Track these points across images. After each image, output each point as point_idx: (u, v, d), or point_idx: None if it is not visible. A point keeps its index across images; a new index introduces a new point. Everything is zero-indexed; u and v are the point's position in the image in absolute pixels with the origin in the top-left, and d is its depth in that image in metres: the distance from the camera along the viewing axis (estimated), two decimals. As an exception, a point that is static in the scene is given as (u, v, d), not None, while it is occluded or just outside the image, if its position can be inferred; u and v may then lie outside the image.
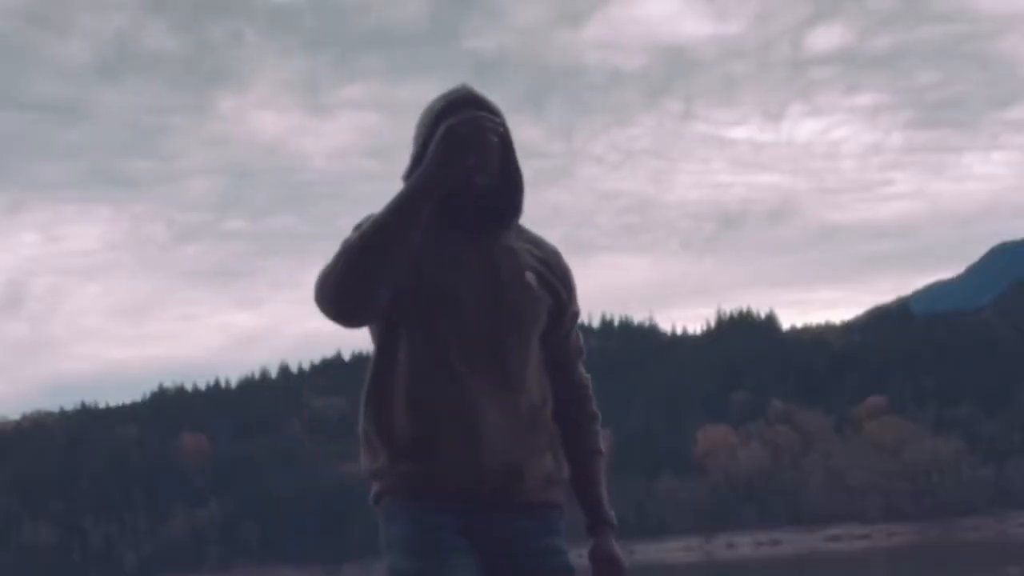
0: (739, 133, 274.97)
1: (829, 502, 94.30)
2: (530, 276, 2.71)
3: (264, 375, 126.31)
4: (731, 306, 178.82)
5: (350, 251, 2.50)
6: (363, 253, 2.50)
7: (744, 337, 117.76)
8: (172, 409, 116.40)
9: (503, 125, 2.65)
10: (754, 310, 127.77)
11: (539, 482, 2.69)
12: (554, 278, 2.77)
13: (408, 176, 2.65)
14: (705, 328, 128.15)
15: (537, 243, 2.80)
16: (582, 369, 2.85)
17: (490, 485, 2.62)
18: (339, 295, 2.52)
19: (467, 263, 2.66)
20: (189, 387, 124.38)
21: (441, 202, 2.60)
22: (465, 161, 2.53)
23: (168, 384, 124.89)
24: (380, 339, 2.68)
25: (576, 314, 2.84)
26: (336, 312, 2.55)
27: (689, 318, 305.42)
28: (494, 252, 2.70)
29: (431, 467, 2.60)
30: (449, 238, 2.67)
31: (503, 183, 2.70)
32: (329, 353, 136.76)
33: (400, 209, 2.52)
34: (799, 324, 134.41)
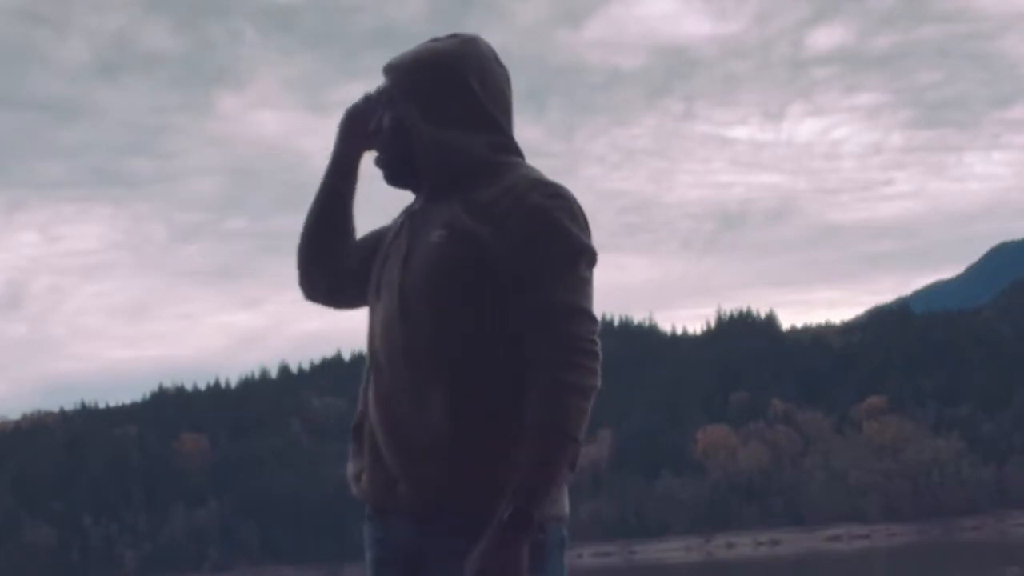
0: (739, 133, 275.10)
1: (829, 502, 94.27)
2: (438, 234, 2.38)
3: (264, 375, 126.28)
4: (731, 306, 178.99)
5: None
6: (301, 236, 2.67)
7: (744, 337, 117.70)
8: (172, 409, 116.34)
9: (400, 89, 2.49)
10: (754, 310, 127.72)
11: (435, 490, 2.35)
12: (486, 223, 2.34)
13: None
14: (705, 328, 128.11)
15: (501, 182, 2.39)
16: (557, 329, 2.27)
17: (384, 497, 2.42)
18: (297, 276, 2.69)
19: (394, 247, 2.49)
20: (189, 387, 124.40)
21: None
22: (349, 140, 2.66)
23: (168, 384, 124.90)
24: None
25: (529, 262, 2.31)
26: (301, 292, 2.71)
27: (689, 318, 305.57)
28: (416, 224, 2.47)
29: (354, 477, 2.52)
30: (397, 226, 2.56)
31: (417, 152, 2.48)
32: (329, 353, 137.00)
33: (317, 192, 2.67)
34: (799, 324, 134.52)
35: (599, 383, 2.30)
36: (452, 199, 2.41)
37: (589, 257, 2.34)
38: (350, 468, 2.52)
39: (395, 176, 2.54)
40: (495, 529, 2.22)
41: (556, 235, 2.31)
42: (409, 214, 2.51)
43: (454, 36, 2.52)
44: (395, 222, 2.58)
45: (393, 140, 2.50)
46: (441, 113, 2.44)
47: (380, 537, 2.47)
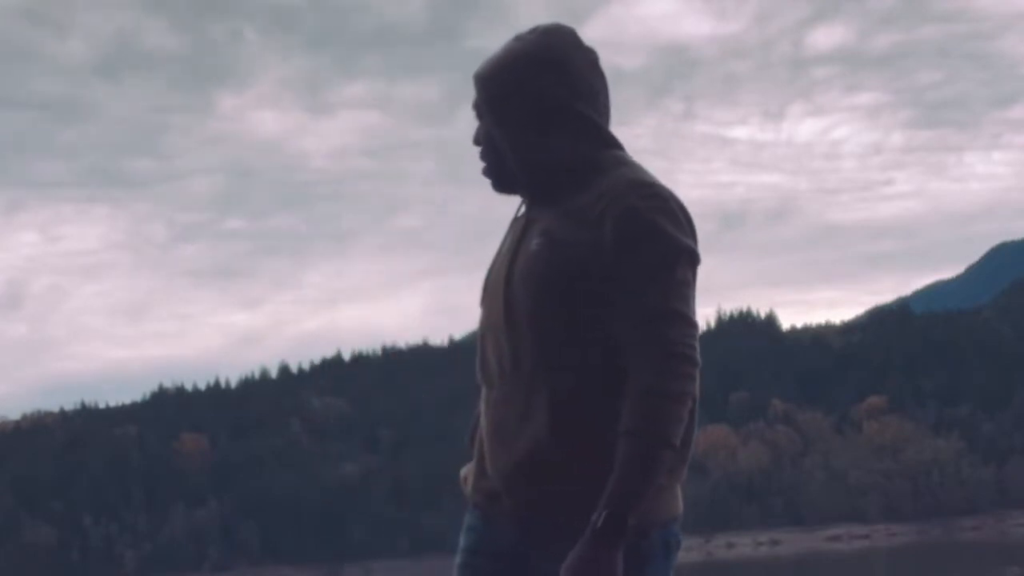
0: (739, 133, 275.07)
1: (829, 502, 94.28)
2: (536, 242, 2.37)
3: (264, 375, 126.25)
4: (731, 306, 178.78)
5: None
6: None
7: (744, 337, 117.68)
8: (172, 409, 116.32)
9: (483, 99, 2.47)
10: (754, 310, 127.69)
11: (540, 492, 2.37)
12: (583, 228, 2.33)
13: None
14: (705, 328, 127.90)
15: (598, 186, 2.36)
16: (654, 334, 2.24)
17: (494, 497, 2.45)
18: None
19: (500, 255, 2.51)
20: (189, 387, 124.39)
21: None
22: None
23: (168, 384, 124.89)
24: None
25: (628, 267, 2.27)
26: None
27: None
28: (519, 231, 2.47)
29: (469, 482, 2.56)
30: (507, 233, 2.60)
31: (507, 163, 2.47)
32: (329, 353, 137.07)
33: None
34: (799, 324, 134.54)
35: (696, 389, 2.27)
36: (551, 205, 2.40)
37: (689, 259, 2.30)
38: (463, 470, 2.56)
39: (499, 186, 2.52)
40: (589, 535, 2.22)
41: (653, 237, 2.27)
42: (514, 220, 2.52)
43: (534, 30, 2.49)
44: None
45: (487, 153, 2.49)
46: (523, 120, 2.41)
47: (477, 527, 2.49)
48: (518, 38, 2.48)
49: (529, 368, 2.34)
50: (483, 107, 2.46)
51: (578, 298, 2.31)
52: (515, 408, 2.36)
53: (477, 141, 2.50)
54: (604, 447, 2.27)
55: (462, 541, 2.52)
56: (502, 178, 2.48)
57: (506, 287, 2.39)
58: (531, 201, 2.47)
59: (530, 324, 2.33)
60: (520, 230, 2.44)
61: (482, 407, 2.48)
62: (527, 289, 2.34)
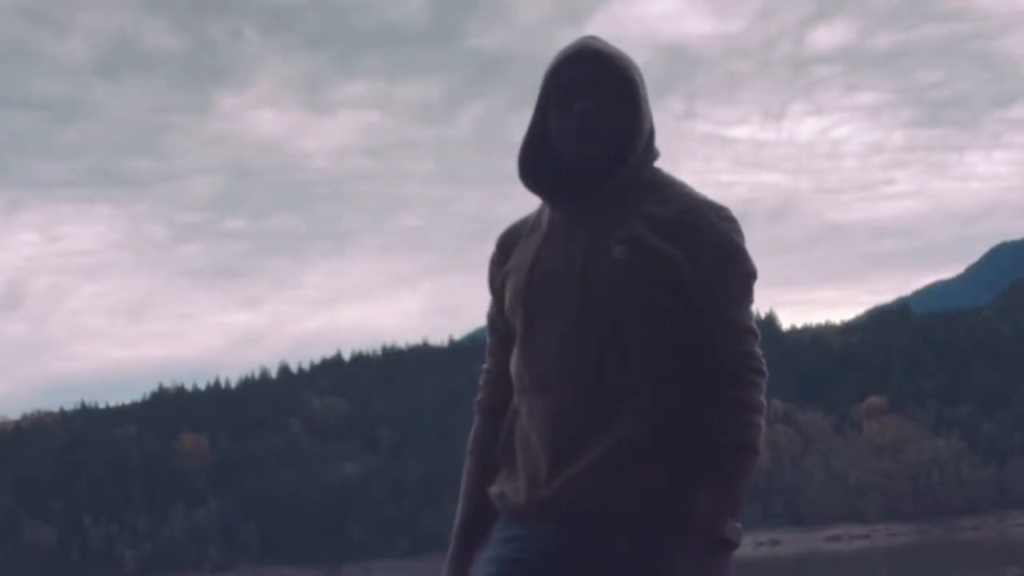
0: (740, 132, 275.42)
1: (829, 502, 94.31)
2: (620, 250, 2.33)
3: (264, 375, 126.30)
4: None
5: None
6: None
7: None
8: (172, 409, 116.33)
9: (623, 74, 2.40)
10: (754, 310, 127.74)
11: (631, 504, 2.34)
12: (674, 243, 2.33)
13: (525, 136, 2.46)
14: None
15: (670, 199, 2.39)
16: (736, 349, 2.33)
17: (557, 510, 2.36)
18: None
19: (558, 260, 2.39)
20: (189, 387, 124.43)
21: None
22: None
23: (168, 384, 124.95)
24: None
25: (714, 285, 2.33)
26: None
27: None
28: (582, 236, 2.38)
29: (506, 489, 2.44)
30: (542, 235, 2.45)
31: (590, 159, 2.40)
32: (329, 353, 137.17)
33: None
34: (799, 324, 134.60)
35: (765, 400, 2.37)
36: (624, 212, 2.37)
37: (755, 278, 2.43)
38: (495, 488, 2.47)
39: (578, 173, 2.40)
40: (698, 556, 2.31)
41: (738, 259, 2.37)
42: (563, 223, 2.40)
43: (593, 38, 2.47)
44: (522, 228, 2.50)
45: (596, 131, 2.39)
46: (645, 110, 2.42)
47: (525, 537, 2.39)
48: (596, 39, 2.45)
49: (609, 378, 2.32)
50: (617, 85, 2.40)
51: (662, 310, 2.33)
52: (587, 418, 2.33)
53: (586, 118, 2.37)
54: (681, 455, 2.32)
55: (499, 551, 2.42)
56: (594, 166, 2.39)
57: (581, 294, 2.34)
58: (595, 206, 2.39)
59: (614, 334, 2.33)
60: (587, 235, 2.37)
61: (525, 415, 2.40)
62: (612, 299, 2.33)
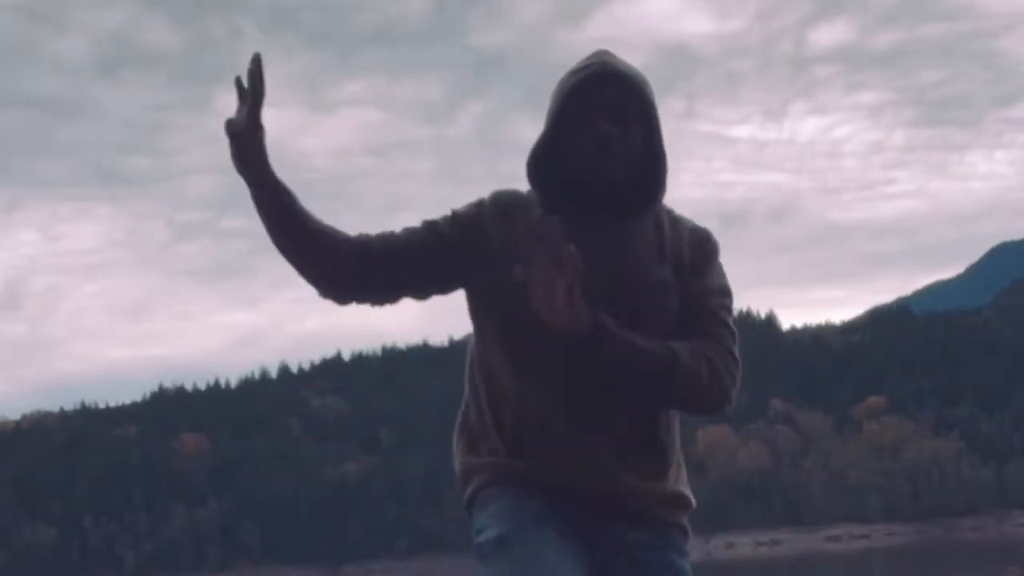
0: (741, 132, 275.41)
1: (829, 502, 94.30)
2: (663, 272, 2.45)
3: (264, 375, 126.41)
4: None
5: None
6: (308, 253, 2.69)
7: (744, 337, 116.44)
8: (172, 409, 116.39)
9: (643, 99, 2.44)
10: (754, 310, 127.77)
11: (648, 504, 2.50)
12: (684, 268, 2.48)
13: (537, 145, 2.50)
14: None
15: (687, 228, 2.52)
16: (721, 349, 2.55)
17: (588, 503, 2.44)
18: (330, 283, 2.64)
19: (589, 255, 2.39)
20: (189, 387, 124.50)
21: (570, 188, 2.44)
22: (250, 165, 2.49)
23: (168, 384, 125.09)
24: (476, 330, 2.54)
25: (711, 295, 2.52)
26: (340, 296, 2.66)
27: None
28: (618, 241, 2.44)
29: (533, 467, 2.45)
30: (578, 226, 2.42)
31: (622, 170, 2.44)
32: (329, 353, 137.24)
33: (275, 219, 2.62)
34: (799, 324, 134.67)
35: (732, 402, 2.60)
36: (641, 222, 2.46)
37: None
38: (473, 460, 2.50)
39: (601, 196, 2.43)
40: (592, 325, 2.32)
41: (727, 283, 2.59)
42: (574, 223, 2.36)
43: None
44: (525, 206, 2.47)
45: (626, 158, 2.42)
46: (659, 131, 2.48)
47: (563, 515, 2.42)
48: (611, 54, 2.50)
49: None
50: (639, 109, 2.44)
51: (676, 314, 2.48)
52: (596, 402, 2.42)
53: (609, 143, 2.40)
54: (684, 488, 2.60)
55: (526, 504, 2.41)
56: (613, 191, 2.43)
57: (619, 300, 2.38)
58: (611, 214, 2.43)
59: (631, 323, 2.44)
60: (609, 241, 2.42)
61: (532, 398, 2.42)
62: (650, 307, 2.43)
